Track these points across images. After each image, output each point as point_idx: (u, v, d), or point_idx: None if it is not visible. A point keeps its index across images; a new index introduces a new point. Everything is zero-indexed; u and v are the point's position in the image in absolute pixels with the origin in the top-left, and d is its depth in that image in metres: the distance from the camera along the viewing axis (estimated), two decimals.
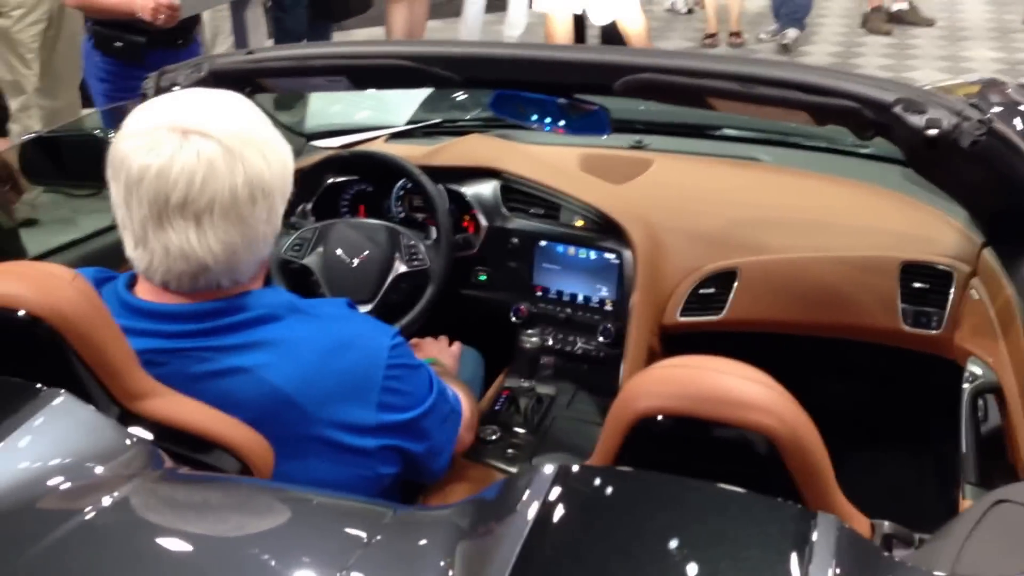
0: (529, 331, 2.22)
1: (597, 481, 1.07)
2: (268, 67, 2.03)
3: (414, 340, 2.30)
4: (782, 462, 1.09)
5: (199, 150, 1.36)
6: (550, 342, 2.41)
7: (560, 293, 2.44)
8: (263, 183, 1.41)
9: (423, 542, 1.04)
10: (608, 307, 2.38)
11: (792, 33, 7.84)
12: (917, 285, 2.18)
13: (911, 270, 2.19)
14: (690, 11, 9.31)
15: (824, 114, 1.69)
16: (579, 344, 2.40)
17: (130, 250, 1.44)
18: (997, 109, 2.40)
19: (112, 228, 1.52)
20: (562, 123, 1.97)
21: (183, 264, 1.40)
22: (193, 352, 1.43)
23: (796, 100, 1.66)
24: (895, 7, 8.18)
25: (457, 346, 2.34)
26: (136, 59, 3.70)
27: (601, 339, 2.36)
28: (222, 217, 1.38)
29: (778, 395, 1.11)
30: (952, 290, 2.14)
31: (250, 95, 2.05)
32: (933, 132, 1.56)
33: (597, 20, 6.35)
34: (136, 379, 1.34)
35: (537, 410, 2.22)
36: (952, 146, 1.57)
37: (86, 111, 4.57)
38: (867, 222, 2.34)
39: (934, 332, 2.16)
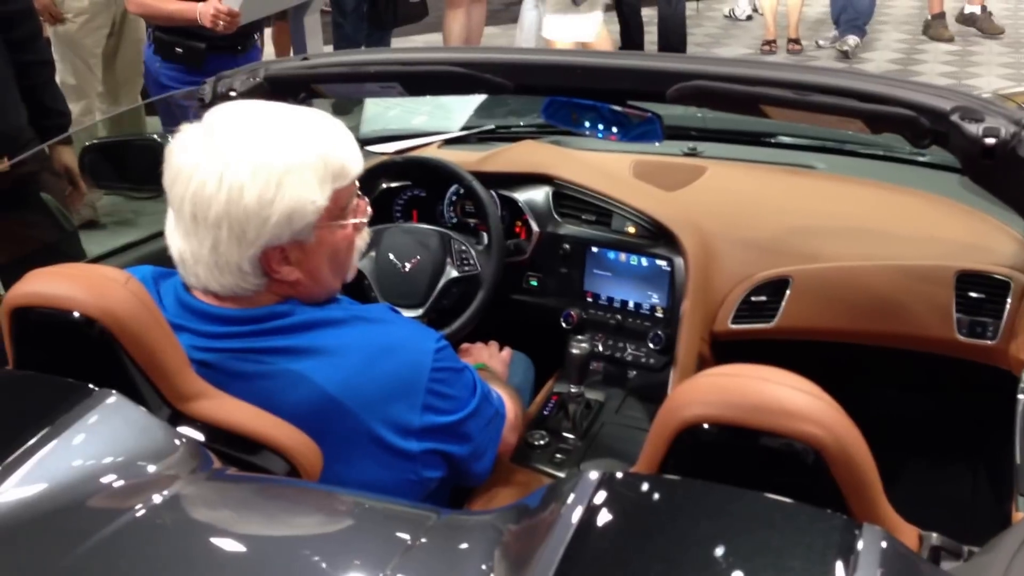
0: (579, 337, 2.22)
1: (641, 488, 1.07)
2: (323, 73, 2.04)
3: (464, 345, 2.32)
4: (829, 472, 1.08)
5: (193, 148, 1.43)
6: (600, 348, 2.41)
7: (611, 299, 2.44)
8: (206, 210, 1.42)
9: (465, 545, 1.05)
10: (659, 314, 2.38)
11: (852, 40, 7.75)
12: (973, 295, 2.15)
13: (967, 279, 2.16)
14: (749, 17, 9.27)
15: (880, 122, 1.67)
16: (629, 351, 2.40)
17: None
18: None
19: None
20: (615, 130, 1.97)
21: (215, 273, 1.47)
22: (244, 353, 1.46)
23: (851, 108, 1.65)
24: (968, 9, 8.01)
25: (507, 351, 2.35)
26: (196, 65, 3.77)
27: (651, 346, 2.35)
28: (178, 219, 1.46)
29: (825, 405, 1.10)
30: (1008, 300, 2.11)
31: (304, 101, 2.09)
32: (991, 141, 1.54)
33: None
34: (187, 380, 1.37)
35: (586, 416, 2.22)
36: (1010, 155, 1.55)
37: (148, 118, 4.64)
38: (922, 231, 2.32)
39: (989, 342, 2.13)
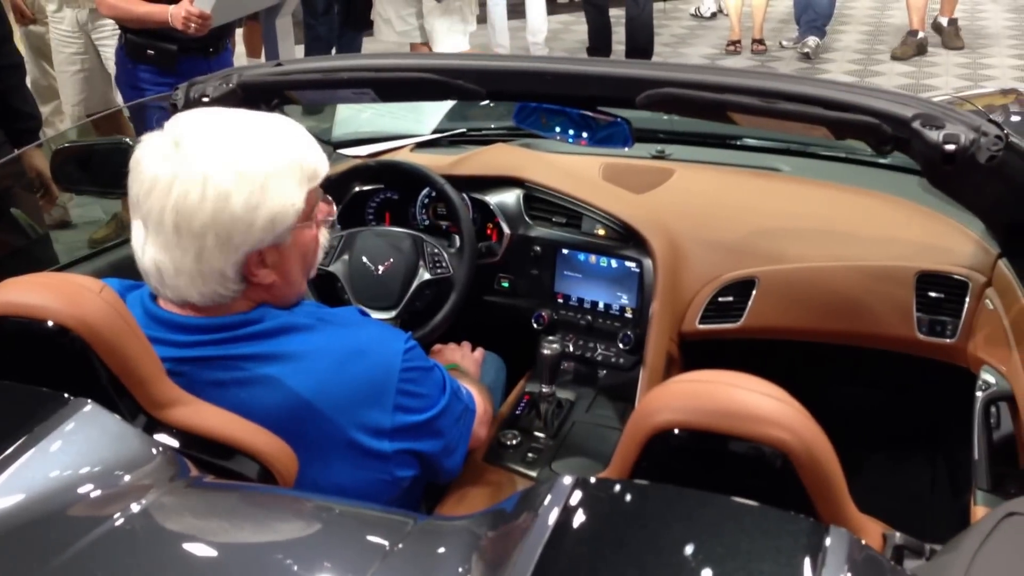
0: (550, 337, 2.24)
1: (614, 493, 1.09)
2: (296, 80, 2.05)
3: (437, 346, 2.34)
4: (796, 475, 1.11)
5: (166, 158, 1.42)
6: (571, 348, 2.44)
7: (581, 300, 2.47)
8: (191, 220, 1.42)
9: (443, 550, 1.07)
10: (628, 314, 2.41)
11: (812, 41, 7.81)
12: (933, 294, 2.19)
13: (927, 279, 2.21)
14: (714, 15, 9.34)
15: (844, 129, 1.70)
16: (599, 351, 2.43)
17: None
18: (1016, 119, 2.43)
19: None
20: (585, 135, 2.00)
21: (139, 266, 1.49)
22: (215, 360, 1.47)
23: (816, 116, 1.67)
24: (940, 18, 7.85)
25: (480, 352, 2.38)
26: (168, 67, 3.76)
27: (621, 346, 2.38)
28: (155, 231, 1.44)
29: (793, 410, 1.13)
30: (967, 300, 2.15)
31: (277, 107, 2.11)
32: (951, 147, 1.57)
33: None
34: (162, 388, 1.38)
35: (557, 415, 2.24)
36: (970, 161, 1.58)
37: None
38: (884, 232, 2.36)
39: (949, 341, 2.17)
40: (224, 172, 1.41)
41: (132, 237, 1.50)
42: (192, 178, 1.40)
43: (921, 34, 7.41)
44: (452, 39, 5.61)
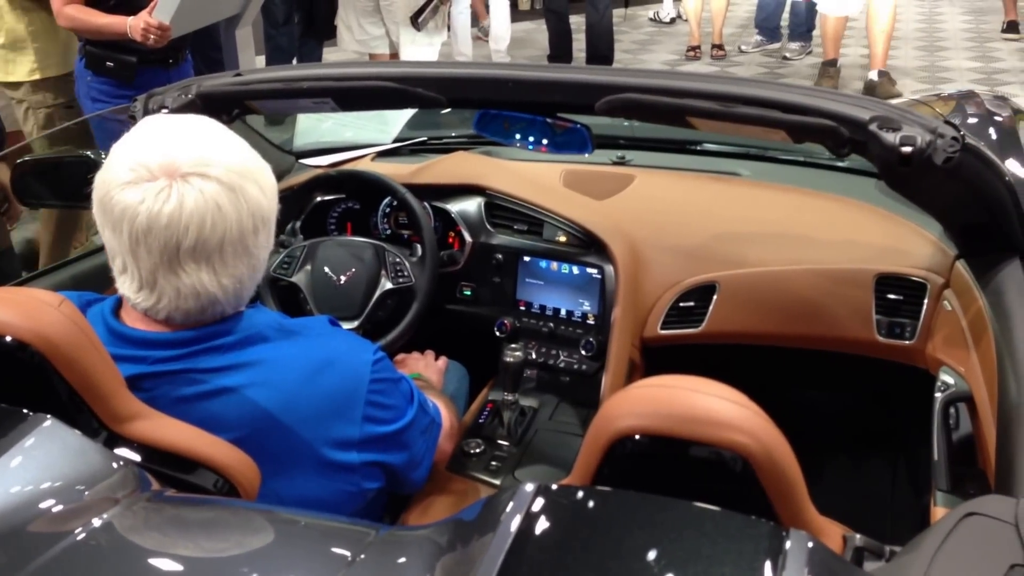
0: (513, 345, 2.24)
1: (576, 500, 1.09)
2: (255, 89, 2.04)
3: (400, 355, 2.34)
4: (756, 479, 1.12)
5: (203, 191, 1.37)
6: (533, 356, 2.45)
7: (543, 307, 2.48)
8: (263, 212, 1.44)
9: (403, 560, 1.07)
10: (590, 321, 2.42)
11: (794, 45, 7.99)
12: (891, 296, 2.22)
13: (886, 282, 2.23)
14: (672, 20, 9.40)
15: (801, 132, 1.71)
16: (562, 357, 2.44)
17: (132, 292, 1.44)
18: (973, 120, 2.45)
19: (101, 249, 1.54)
20: (545, 142, 2.01)
21: (193, 302, 1.43)
22: (180, 374, 1.45)
23: (774, 119, 1.69)
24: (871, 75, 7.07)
25: (443, 360, 2.38)
26: (127, 79, 3.73)
27: (583, 352, 2.39)
28: (232, 254, 1.42)
29: (752, 414, 1.14)
30: (925, 301, 2.17)
31: (237, 117, 2.10)
32: (907, 149, 1.59)
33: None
34: (123, 402, 1.36)
35: (520, 423, 2.25)
36: (926, 163, 1.60)
37: None
38: (843, 235, 2.38)
39: (908, 343, 2.19)
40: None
41: (118, 276, 1.45)
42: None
43: (839, 62, 7.10)
44: (419, 51, 5.57)
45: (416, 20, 5.35)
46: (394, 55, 5.83)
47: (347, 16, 5.82)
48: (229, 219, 1.39)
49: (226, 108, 2.07)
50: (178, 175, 1.37)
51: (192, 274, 1.40)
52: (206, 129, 1.46)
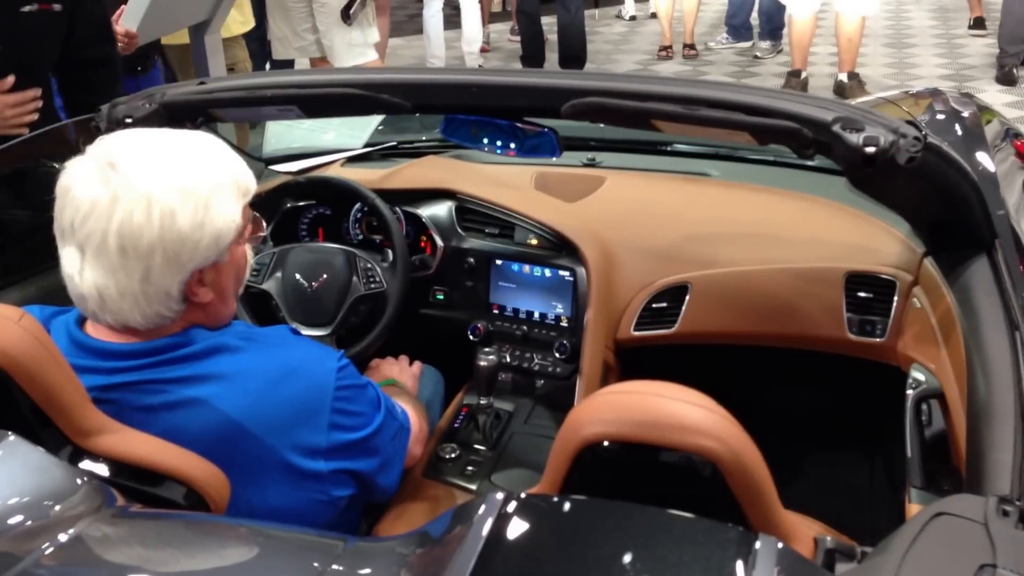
0: (486, 349, 2.25)
1: (544, 509, 1.09)
2: (219, 98, 2.03)
3: (375, 361, 2.33)
4: (725, 483, 1.11)
5: (103, 181, 1.39)
6: (507, 359, 2.44)
7: (516, 311, 2.48)
8: (137, 240, 1.40)
9: (368, 571, 1.06)
10: (564, 323, 2.42)
11: (765, 44, 8.03)
12: (862, 294, 2.23)
13: (855, 280, 2.24)
14: (633, 17, 9.48)
15: (765, 134, 1.71)
16: (536, 360, 2.43)
17: None
18: (940, 118, 2.47)
19: None
20: (513, 146, 2.01)
21: (74, 293, 1.45)
22: (144, 385, 1.45)
23: (737, 122, 1.69)
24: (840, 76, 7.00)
25: (417, 365, 2.37)
26: None
27: (557, 355, 2.39)
28: (95, 256, 1.41)
29: (720, 418, 1.13)
30: (895, 299, 2.19)
31: (202, 126, 2.08)
32: (871, 149, 1.60)
33: None
34: (87, 416, 1.35)
35: (495, 426, 2.25)
36: (890, 162, 1.60)
37: None
38: (812, 234, 2.39)
39: (878, 340, 2.21)
40: (168, 191, 1.40)
41: (63, 265, 1.46)
42: (135, 199, 1.39)
43: (804, 74, 6.98)
44: (353, 53, 5.35)
45: (347, 14, 5.24)
46: (324, 60, 5.56)
47: (279, 26, 5.57)
48: (99, 221, 1.40)
49: (191, 117, 2.06)
50: (107, 164, 1.41)
51: (69, 256, 1.44)
52: (164, 141, 1.48)
